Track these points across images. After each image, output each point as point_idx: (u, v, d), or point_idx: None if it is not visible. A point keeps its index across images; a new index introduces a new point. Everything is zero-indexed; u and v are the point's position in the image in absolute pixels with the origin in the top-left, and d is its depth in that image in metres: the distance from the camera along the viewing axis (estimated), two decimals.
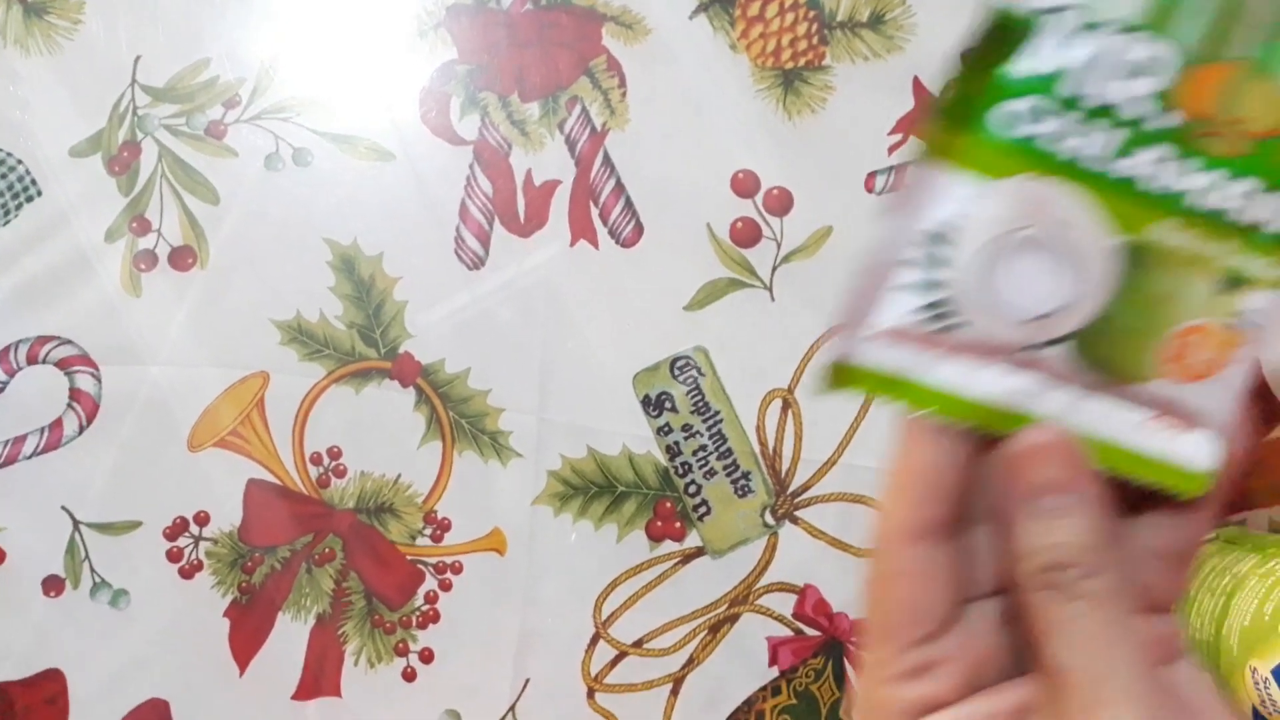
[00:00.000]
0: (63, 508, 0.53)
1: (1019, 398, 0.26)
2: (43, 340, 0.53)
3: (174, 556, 0.53)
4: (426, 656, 0.54)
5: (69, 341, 0.53)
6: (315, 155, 0.54)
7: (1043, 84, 0.23)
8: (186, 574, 0.53)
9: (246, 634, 0.53)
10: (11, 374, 0.53)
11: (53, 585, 0.53)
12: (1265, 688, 0.44)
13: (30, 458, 0.53)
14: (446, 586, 0.54)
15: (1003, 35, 0.24)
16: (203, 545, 0.53)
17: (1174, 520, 0.28)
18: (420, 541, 0.54)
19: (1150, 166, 0.24)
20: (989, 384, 0.26)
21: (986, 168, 0.24)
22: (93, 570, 0.53)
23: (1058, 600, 0.26)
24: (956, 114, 0.24)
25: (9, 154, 0.53)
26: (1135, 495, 0.28)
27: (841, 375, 0.26)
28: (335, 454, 0.54)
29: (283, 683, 0.53)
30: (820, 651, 0.55)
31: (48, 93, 0.54)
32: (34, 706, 0.52)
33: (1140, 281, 0.25)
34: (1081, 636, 0.26)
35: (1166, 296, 0.25)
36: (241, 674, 0.53)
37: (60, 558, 0.53)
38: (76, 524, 0.53)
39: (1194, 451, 0.27)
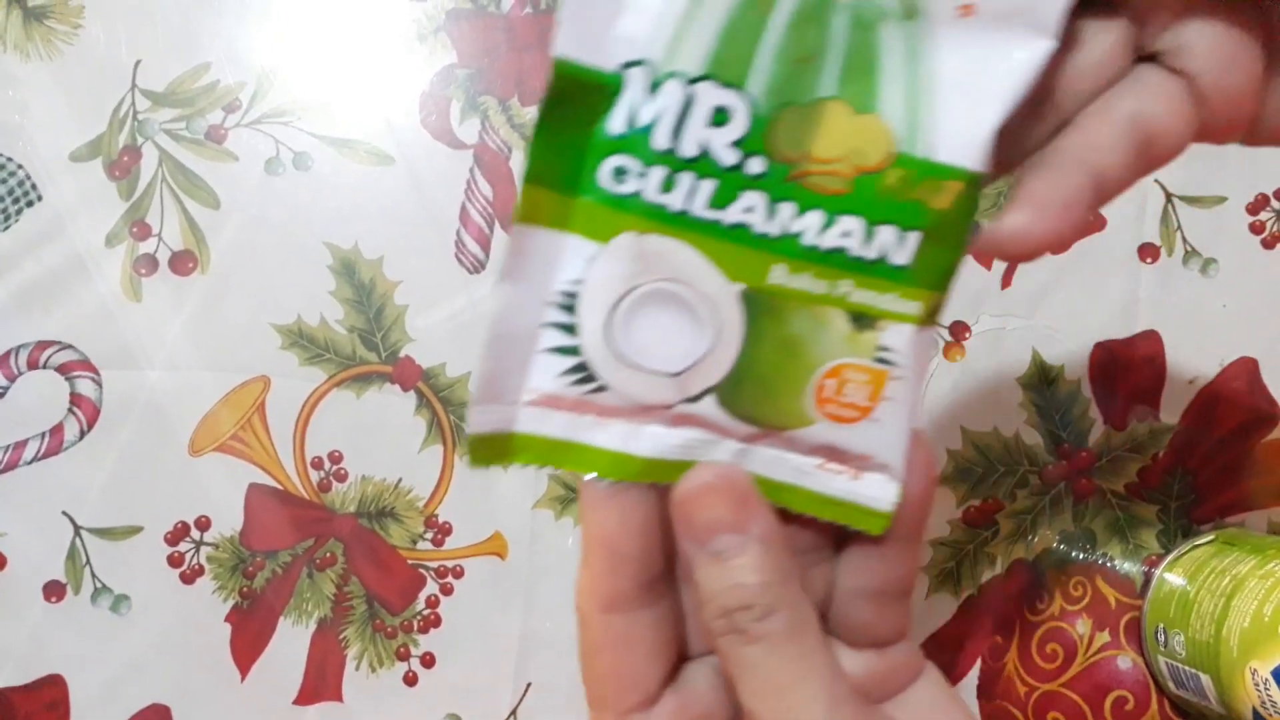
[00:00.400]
0: (64, 513, 0.53)
1: (685, 451, 0.26)
2: (43, 345, 0.53)
3: (175, 561, 0.53)
4: (428, 661, 0.54)
5: (70, 346, 0.53)
6: (315, 159, 0.54)
7: (634, 140, 0.23)
8: (187, 579, 0.53)
9: (248, 639, 0.53)
10: (12, 379, 0.53)
11: (54, 590, 0.53)
12: (1265, 689, 0.44)
13: (31, 463, 0.53)
14: (448, 591, 0.54)
15: (588, 94, 0.23)
16: (204, 550, 0.53)
17: (877, 557, 0.28)
18: (421, 545, 0.54)
19: (754, 213, 0.23)
20: (651, 441, 0.25)
21: (596, 230, 0.24)
22: (94, 575, 0.53)
23: (739, 643, 0.25)
24: (555, 177, 0.23)
25: (9, 159, 0.53)
26: (838, 532, 0.28)
27: (500, 446, 0.25)
28: (336, 458, 0.54)
29: (284, 688, 0.53)
30: None
31: (47, 97, 0.53)
32: (35, 713, 0.52)
33: (772, 328, 0.24)
34: (763, 678, 0.25)
35: (802, 340, 0.25)
36: (243, 679, 0.53)
37: (61, 563, 0.53)
38: (77, 529, 0.53)
39: (870, 493, 0.26)
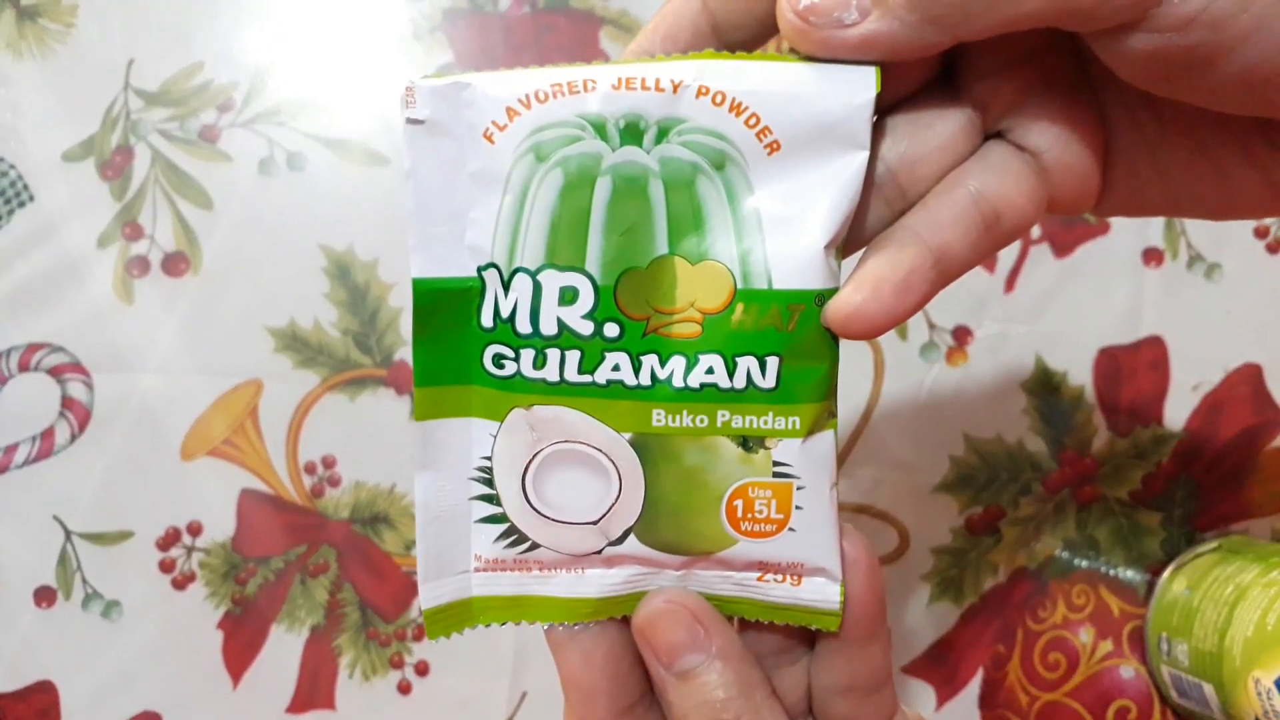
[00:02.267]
0: (54, 517, 0.52)
1: (630, 585, 0.28)
2: (34, 347, 0.52)
3: (166, 567, 0.53)
4: (422, 669, 0.53)
5: (61, 349, 0.52)
6: (310, 160, 0.54)
7: (502, 330, 0.27)
8: (179, 585, 0.53)
9: (240, 646, 0.53)
10: (3, 381, 0.52)
11: (44, 596, 0.52)
12: (1268, 699, 0.44)
13: (22, 467, 0.52)
14: None
15: (455, 299, 0.27)
16: (195, 556, 0.53)
17: (843, 655, 0.29)
18: (415, 552, 0.53)
19: (621, 370, 0.26)
20: (597, 583, 0.28)
21: (491, 411, 0.27)
22: (85, 581, 0.52)
23: None
24: (446, 373, 0.27)
25: (1, 158, 0.53)
26: (803, 634, 0.29)
27: (459, 613, 0.29)
28: (329, 463, 0.53)
29: (276, 695, 0.53)
30: None
31: (40, 97, 0.53)
32: (25, 719, 0.52)
33: (668, 466, 0.27)
34: None
35: (700, 470, 0.27)
36: (235, 686, 0.53)
37: (52, 568, 0.52)
38: (68, 534, 0.52)
39: (813, 597, 0.28)
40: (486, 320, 0.27)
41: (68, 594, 0.52)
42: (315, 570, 0.53)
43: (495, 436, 0.27)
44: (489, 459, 0.27)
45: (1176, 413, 0.55)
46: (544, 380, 0.26)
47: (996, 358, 0.55)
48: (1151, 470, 0.55)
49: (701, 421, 0.26)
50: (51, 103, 0.53)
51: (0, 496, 0.52)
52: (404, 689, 0.53)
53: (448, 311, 0.27)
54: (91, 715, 0.52)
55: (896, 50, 0.24)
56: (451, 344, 0.27)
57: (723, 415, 0.26)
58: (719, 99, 0.25)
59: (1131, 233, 0.55)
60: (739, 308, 0.26)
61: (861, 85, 0.25)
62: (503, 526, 0.28)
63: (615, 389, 0.26)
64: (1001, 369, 0.55)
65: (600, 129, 0.26)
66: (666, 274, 0.26)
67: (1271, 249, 0.55)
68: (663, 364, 0.26)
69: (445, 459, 0.27)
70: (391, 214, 0.54)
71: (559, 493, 0.27)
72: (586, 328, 0.26)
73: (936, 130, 0.27)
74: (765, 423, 0.26)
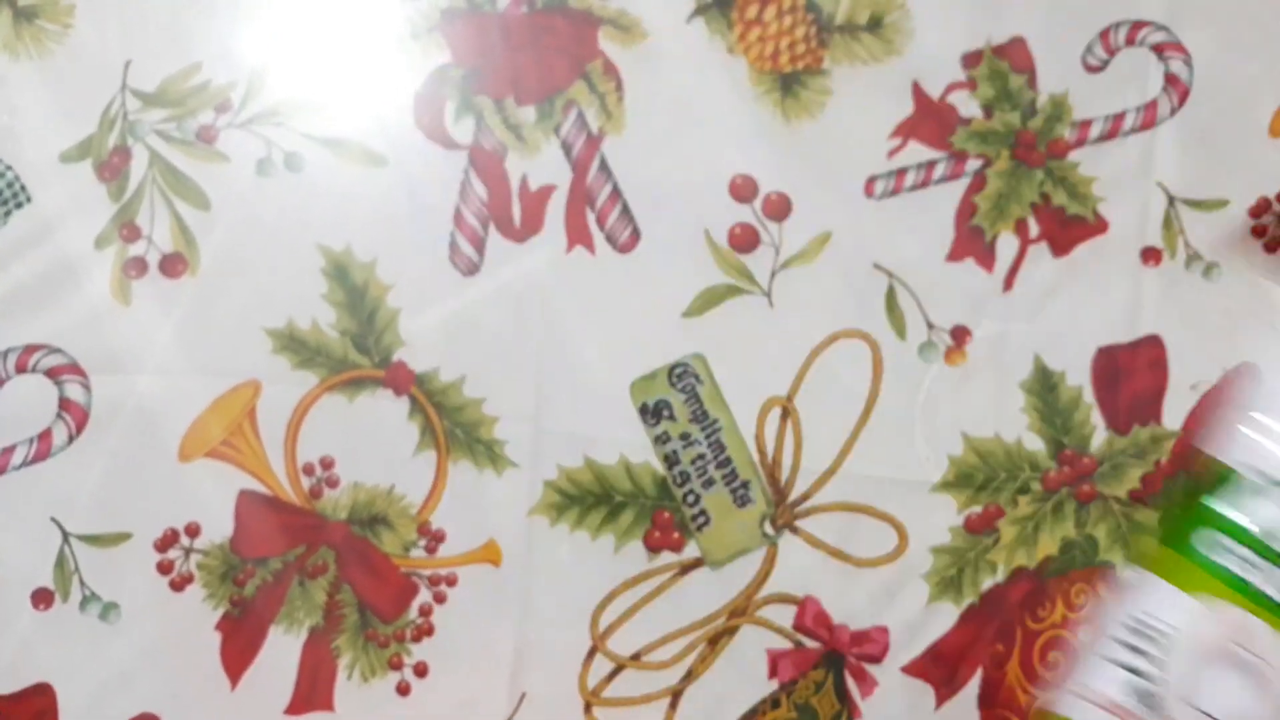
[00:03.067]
0: (52, 519, 0.52)
1: None
2: (32, 349, 0.52)
3: (164, 569, 0.53)
4: (421, 670, 0.53)
5: (58, 350, 0.52)
6: (308, 160, 0.54)
7: (1240, 528, 0.28)
8: (177, 586, 0.53)
9: (238, 647, 0.53)
10: (0, 383, 0.52)
11: (42, 598, 0.52)
12: None
13: (19, 468, 0.52)
14: (441, 599, 0.53)
15: (1209, 477, 0.29)
16: (194, 557, 0.53)
17: None
18: (414, 553, 0.53)
19: None
20: None
21: (1195, 585, 0.28)
22: (82, 583, 0.52)
23: None
24: (1169, 535, 0.29)
25: None
26: None
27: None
28: (328, 464, 0.53)
29: (275, 697, 0.53)
30: (821, 664, 0.54)
31: (37, 97, 0.53)
32: None
33: None
34: None
35: None
36: (233, 688, 0.53)
37: (49, 570, 0.52)
38: (66, 536, 0.52)
39: None
40: (1230, 509, 0.29)
41: (65, 596, 0.52)
42: (314, 571, 0.53)
43: (1190, 615, 0.29)
44: (1170, 627, 0.29)
45: (1175, 411, 0.55)
46: (1259, 588, 0.29)
47: (995, 357, 0.55)
48: (1150, 469, 0.55)
49: None
50: (49, 103, 0.53)
51: None
52: (403, 690, 0.53)
53: (1201, 482, 0.30)
54: (90, 717, 0.52)
55: None
56: (1184, 510, 0.30)
57: None
58: None
59: (1130, 232, 0.55)
60: None
61: None
62: (1144, 685, 0.29)
63: None
64: (1000, 368, 0.55)
65: None
66: None
67: (1270, 248, 0.55)
68: None
69: (1129, 598, 0.31)
70: (389, 214, 0.54)
71: (1218, 691, 0.28)
72: None
73: None
74: None
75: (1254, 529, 0.28)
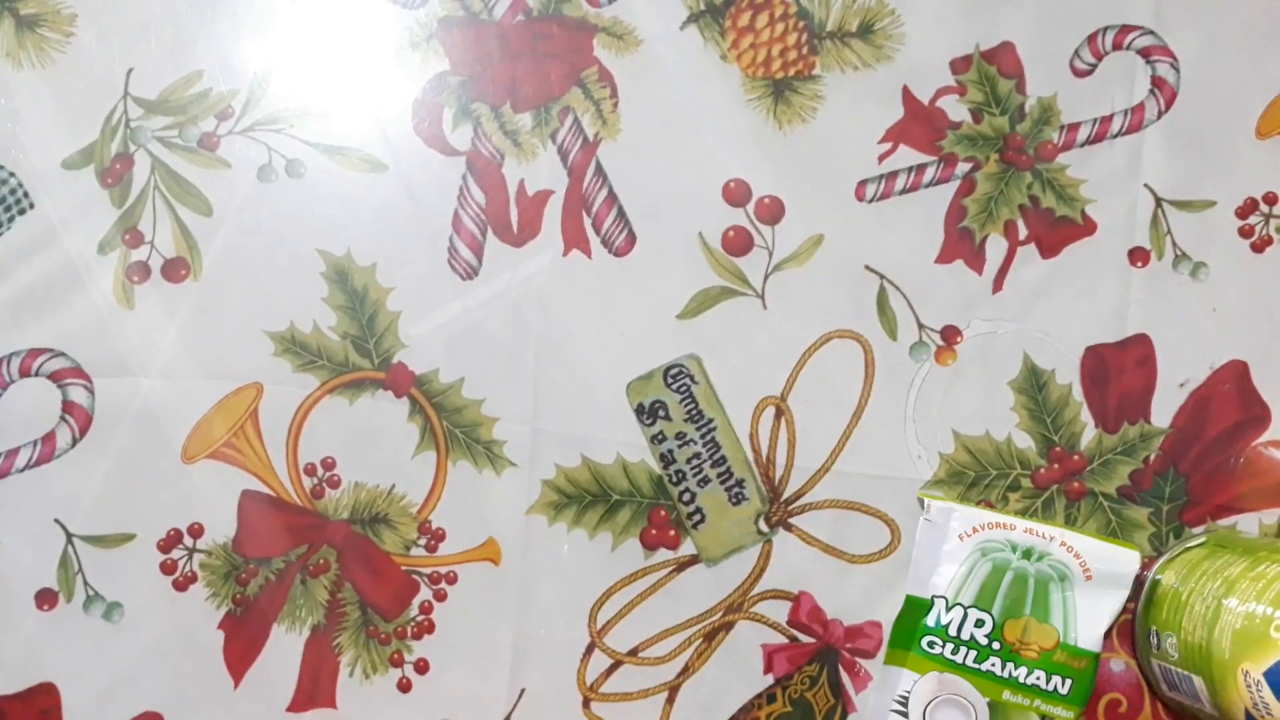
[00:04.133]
0: (56, 520, 0.53)
1: None
2: (35, 353, 0.53)
3: (168, 569, 0.53)
4: (421, 667, 0.54)
5: (62, 354, 0.53)
6: (308, 166, 0.54)
7: (941, 629, 0.53)
8: (180, 586, 0.53)
9: (241, 646, 0.53)
10: (4, 387, 0.53)
11: (46, 599, 0.53)
12: (1258, 690, 0.45)
13: (23, 470, 0.53)
14: (441, 597, 0.54)
15: (919, 609, 0.53)
16: (197, 557, 0.53)
17: None
18: (415, 552, 0.54)
19: (995, 666, 0.52)
20: None
21: (919, 667, 0.53)
22: (86, 583, 0.53)
23: None
24: (902, 643, 0.53)
25: (1, 166, 0.53)
26: None
27: None
28: (329, 465, 0.54)
29: (278, 695, 0.53)
30: (815, 659, 0.55)
31: (40, 105, 0.54)
32: None
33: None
34: None
35: None
36: (236, 686, 0.53)
37: (53, 571, 0.53)
38: (69, 537, 0.53)
39: None
40: (930, 622, 0.53)
41: (69, 596, 0.53)
42: (316, 570, 0.54)
43: (916, 681, 0.53)
44: (908, 693, 0.53)
45: (1164, 409, 0.56)
46: (953, 660, 0.52)
47: (985, 356, 0.55)
48: (1139, 466, 0.55)
49: (1027, 702, 0.52)
50: (51, 111, 0.54)
51: (1, 500, 0.52)
52: (404, 687, 0.54)
53: (914, 614, 0.53)
54: (94, 716, 0.53)
55: None
56: (908, 630, 0.53)
57: (1037, 703, 0.52)
58: (1070, 549, 0.52)
59: (1118, 232, 0.56)
60: (1060, 651, 0.52)
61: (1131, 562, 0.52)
62: None
63: (989, 675, 0.52)
64: (990, 367, 0.55)
65: (1014, 548, 0.53)
66: (1028, 625, 0.52)
67: (1257, 248, 0.56)
68: (1016, 669, 0.52)
69: (888, 687, 0.54)
70: (388, 220, 0.54)
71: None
72: (983, 640, 0.52)
73: None
74: (1058, 711, 0.52)
75: (947, 628, 0.53)
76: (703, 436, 0.54)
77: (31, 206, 0.53)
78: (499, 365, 0.54)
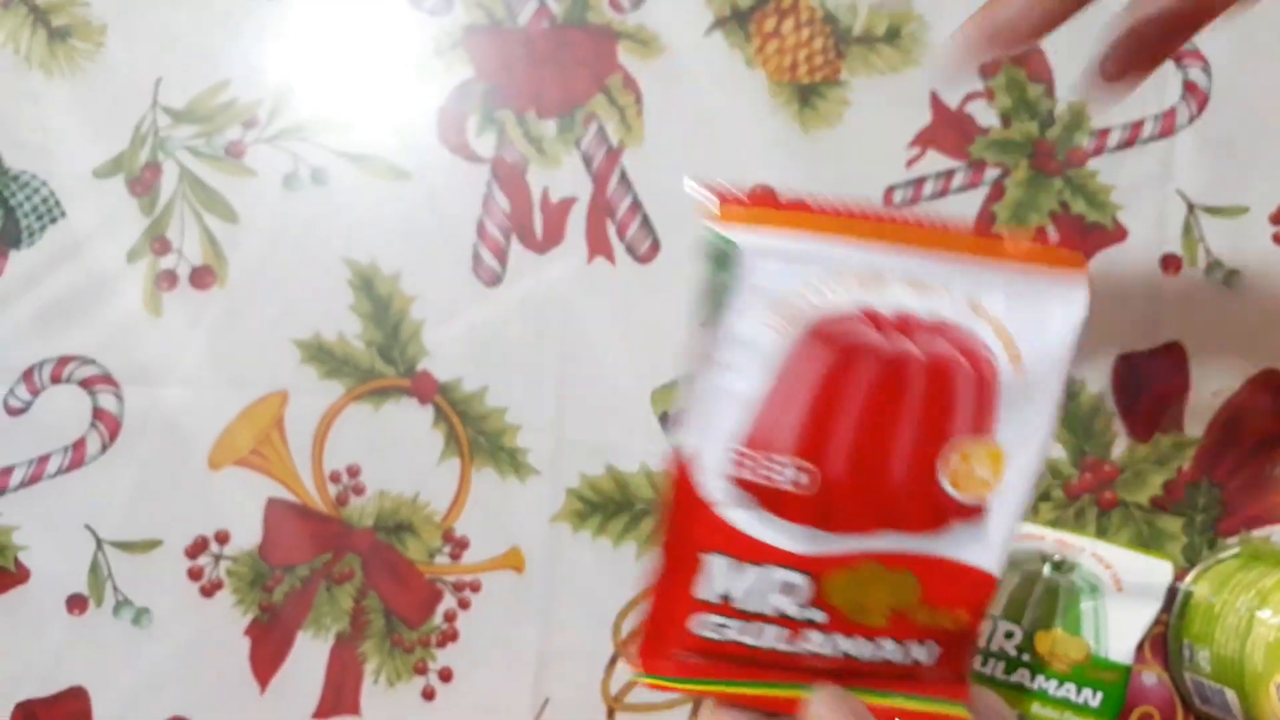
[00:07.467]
0: (86, 526, 0.53)
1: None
2: (66, 360, 0.53)
3: (195, 575, 0.53)
4: (446, 675, 0.54)
5: (92, 361, 0.53)
6: (333, 174, 0.54)
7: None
8: (207, 592, 0.53)
9: (267, 652, 0.53)
10: (36, 393, 0.53)
11: (76, 604, 0.53)
12: None
13: (54, 476, 0.53)
14: (465, 605, 0.54)
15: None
16: (223, 564, 0.54)
17: None
18: (439, 560, 0.54)
19: (1025, 677, 0.50)
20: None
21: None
22: (115, 589, 0.53)
23: None
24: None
25: (34, 175, 0.54)
26: None
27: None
28: (354, 472, 0.54)
29: (303, 702, 0.53)
30: None
31: (71, 115, 0.54)
32: None
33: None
34: None
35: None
36: (262, 692, 0.53)
37: (84, 576, 0.53)
38: (99, 542, 0.53)
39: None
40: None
41: (99, 601, 0.53)
42: (340, 578, 0.54)
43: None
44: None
45: (1197, 419, 0.55)
46: (980, 671, 0.50)
47: None
48: (1172, 476, 0.55)
49: (1056, 715, 0.50)
50: (82, 121, 0.54)
51: (33, 506, 0.53)
52: (428, 695, 0.54)
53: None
54: None
55: None
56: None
57: (1068, 716, 0.50)
58: (1101, 560, 0.51)
59: (1149, 239, 0.55)
60: (1090, 664, 0.50)
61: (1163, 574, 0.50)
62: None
63: (1018, 687, 0.50)
64: None
65: (1045, 559, 0.51)
66: (1059, 636, 0.50)
67: None
68: (1045, 680, 0.50)
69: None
70: (413, 227, 0.54)
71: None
72: (1012, 651, 0.51)
73: None
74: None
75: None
76: None
77: (63, 215, 0.54)
78: (523, 373, 0.54)
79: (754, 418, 0.27)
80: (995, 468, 0.28)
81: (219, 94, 0.54)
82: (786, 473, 0.27)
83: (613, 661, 0.54)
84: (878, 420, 0.27)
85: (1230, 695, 0.48)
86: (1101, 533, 0.54)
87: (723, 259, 0.27)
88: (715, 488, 0.27)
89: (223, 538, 0.54)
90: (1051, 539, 0.52)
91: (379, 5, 0.55)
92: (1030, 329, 0.28)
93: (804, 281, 0.26)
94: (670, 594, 0.29)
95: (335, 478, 0.54)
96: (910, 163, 0.55)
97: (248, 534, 0.54)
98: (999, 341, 0.27)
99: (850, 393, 0.26)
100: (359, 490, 0.54)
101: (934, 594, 0.29)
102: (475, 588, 0.54)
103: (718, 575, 0.28)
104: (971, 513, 0.28)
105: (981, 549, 0.29)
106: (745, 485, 0.27)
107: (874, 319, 0.26)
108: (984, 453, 0.28)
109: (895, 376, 0.26)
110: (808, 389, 0.26)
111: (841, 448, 0.27)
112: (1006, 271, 0.28)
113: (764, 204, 0.27)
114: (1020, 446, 0.28)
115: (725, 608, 0.29)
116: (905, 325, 0.26)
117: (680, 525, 0.29)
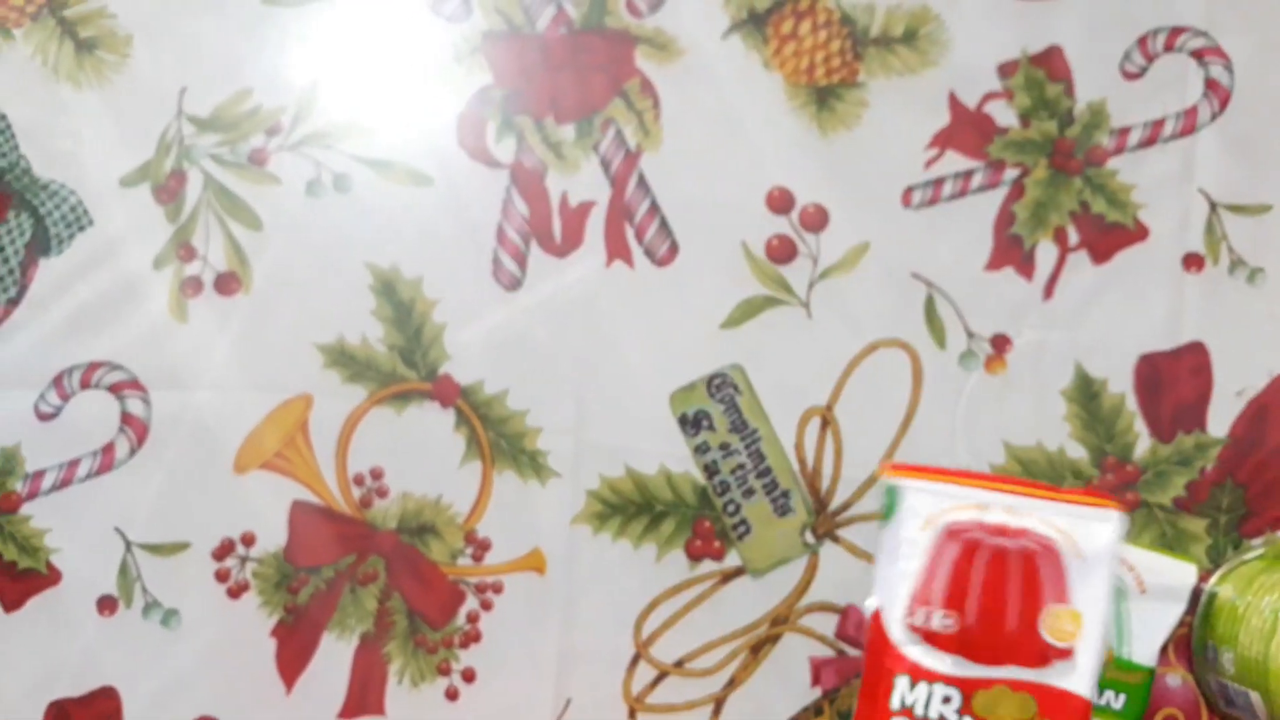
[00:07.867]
0: (116, 529, 0.54)
1: None
2: (95, 366, 0.54)
3: (222, 577, 0.54)
4: (468, 676, 0.54)
5: (120, 367, 0.54)
6: (355, 181, 0.55)
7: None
8: (234, 594, 0.54)
9: (292, 653, 0.54)
10: (66, 399, 0.54)
11: (107, 605, 0.54)
12: None
13: (84, 480, 0.54)
14: (487, 606, 0.54)
15: None
16: (249, 566, 0.54)
17: None
18: (461, 561, 0.54)
19: None
20: None
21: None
22: (145, 590, 0.54)
23: None
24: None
25: (62, 184, 0.55)
26: None
27: None
28: (377, 474, 0.54)
29: (328, 701, 0.54)
30: None
31: (98, 124, 0.55)
32: None
33: None
34: None
35: None
36: (288, 693, 0.54)
37: (114, 578, 0.54)
38: (129, 545, 0.54)
39: None
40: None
41: (129, 602, 0.54)
42: (364, 579, 0.54)
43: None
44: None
45: (1220, 418, 0.54)
46: None
47: (1036, 365, 0.54)
48: (1195, 477, 0.54)
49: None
50: (109, 130, 0.55)
51: (64, 509, 0.54)
52: (451, 695, 0.54)
53: None
54: None
55: None
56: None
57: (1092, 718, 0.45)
58: (1124, 562, 0.48)
59: (1171, 238, 0.55)
60: (1114, 666, 0.48)
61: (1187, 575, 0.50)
62: None
63: None
64: (1041, 377, 0.55)
65: None
66: None
67: None
68: None
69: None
70: (434, 232, 0.55)
71: None
72: None
73: None
74: None
75: None
76: (747, 447, 0.54)
77: (91, 223, 0.55)
78: (543, 376, 0.54)
79: (917, 585, 0.41)
80: (1076, 623, 0.40)
81: (242, 102, 0.55)
82: (939, 619, 0.40)
83: (634, 662, 0.54)
84: (993, 588, 0.40)
85: (1255, 697, 0.47)
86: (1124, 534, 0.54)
87: (893, 493, 0.42)
88: (897, 631, 0.41)
89: (249, 540, 0.54)
90: None
91: (399, 12, 0.55)
92: (1086, 536, 0.41)
93: (939, 506, 0.41)
94: (873, 705, 0.41)
95: (359, 480, 0.54)
96: (929, 163, 0.55)
97: (273, 536, 0.54)
98: (1067, 542, 0.41)
99: (973, 569, 0.40)
100: (382, 493, 0.54)
101: (1046, 711, 0.40)
102: (497, 589, 0.54)
103: (902, 691, 0.40)
104: (1065, 654, 0.40)
105: (1076, 679, 0.40)
106: (915, 629, 0.40)
107: (983, 527, 0.41)
108: (1067, 613, 0.40)
109: (999, 560, 0.41)
110: (948, 567, 0.40)
111: (973, 605, 0.40)
112: (1068, 505, 0.41)
113: (916, 469, 0.42)
114: (1091, 606, 0.40)
115: (908, 713, 0.40)
116: (1003, 531, 0.41)
117: (876, 657, 0.41)
